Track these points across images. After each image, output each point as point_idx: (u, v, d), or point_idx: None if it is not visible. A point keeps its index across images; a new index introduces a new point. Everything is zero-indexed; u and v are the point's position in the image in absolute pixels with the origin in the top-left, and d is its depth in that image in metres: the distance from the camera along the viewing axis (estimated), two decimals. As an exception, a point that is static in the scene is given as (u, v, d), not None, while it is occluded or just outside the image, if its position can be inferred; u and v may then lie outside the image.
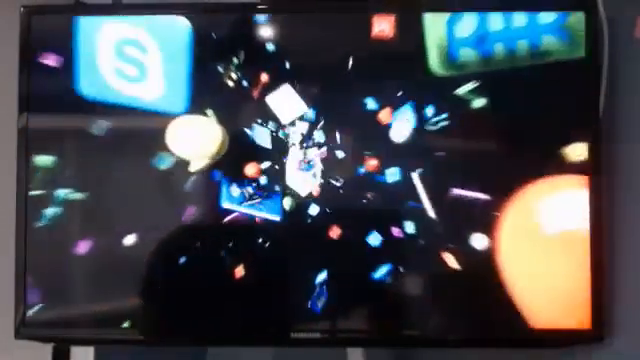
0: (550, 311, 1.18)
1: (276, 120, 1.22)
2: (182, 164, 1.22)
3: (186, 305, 1.24)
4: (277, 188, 1.22)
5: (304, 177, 1.21)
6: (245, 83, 1.23)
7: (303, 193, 1.21)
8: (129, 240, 1.23)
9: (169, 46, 1.24)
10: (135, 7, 1.28)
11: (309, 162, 1.20)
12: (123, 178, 1.24)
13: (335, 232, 1.21)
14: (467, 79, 1.19)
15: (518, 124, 1.20)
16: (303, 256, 1.23)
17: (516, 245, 1.19)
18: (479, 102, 1.19)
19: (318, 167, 1.21)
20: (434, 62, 1.20)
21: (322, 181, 1.20)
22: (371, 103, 1.20)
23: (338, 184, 1.20)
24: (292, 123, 1.22)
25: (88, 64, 1.24)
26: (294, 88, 1.22)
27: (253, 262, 1.23)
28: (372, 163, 1.19)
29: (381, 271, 1.21)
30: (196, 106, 1.23)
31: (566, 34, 1.18)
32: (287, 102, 1.22)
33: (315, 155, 1.20)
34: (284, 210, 1.21)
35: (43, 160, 1.24)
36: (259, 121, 1.22)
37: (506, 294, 1.19)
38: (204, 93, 1.24)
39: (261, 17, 1.24)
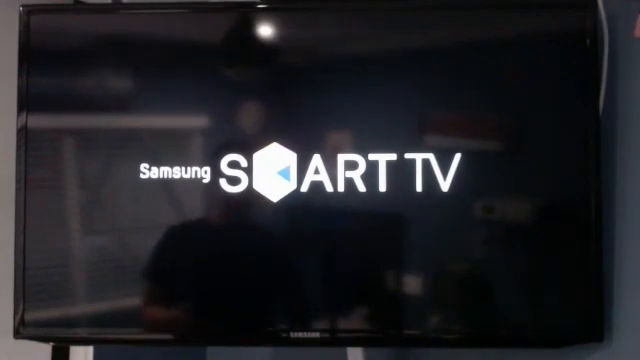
0: (550, 311, 1.18)
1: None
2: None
3: (185, 305, 1.24)
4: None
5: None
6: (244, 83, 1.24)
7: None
8: (128, 240, 1.23)
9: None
10: (135, 7, 1.28)
11: None
12: (123, 177, 1.23)
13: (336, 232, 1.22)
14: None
15: (517, 125, 1.20)
16: (303, 255, 1.23)
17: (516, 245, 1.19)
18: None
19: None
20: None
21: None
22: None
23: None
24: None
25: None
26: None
27: (253, 262, 1.23)
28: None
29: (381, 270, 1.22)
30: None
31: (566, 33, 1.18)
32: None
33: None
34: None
35: (42, 159, 1.24)
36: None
37: (506, 294, 1.19)
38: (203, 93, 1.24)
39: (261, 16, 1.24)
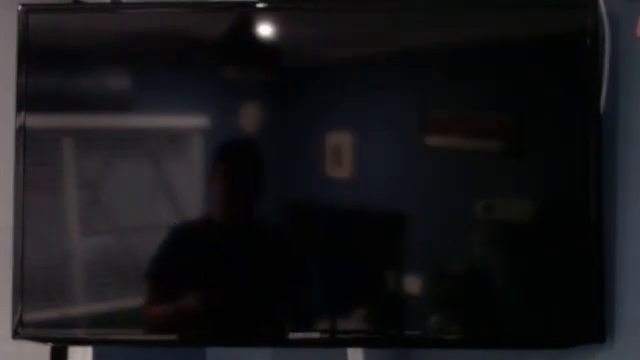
0: (551, 311, 1.17)
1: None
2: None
3: (185, 305, 1.24)
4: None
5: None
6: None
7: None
8: (128, 240, 1.23)
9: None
10: (134, 6, 1.28)
11: None
12: (123, 177, 1.23)
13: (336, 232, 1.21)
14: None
15: (517, 124, 1.20)
16: (303, 255, 1.23)
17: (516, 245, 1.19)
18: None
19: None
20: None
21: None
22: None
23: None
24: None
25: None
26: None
27: (252, 262, 1.23)
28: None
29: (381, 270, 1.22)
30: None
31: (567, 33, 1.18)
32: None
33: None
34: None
35: (42, 160, 1.24)
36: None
37: (507, 294, 1.19)
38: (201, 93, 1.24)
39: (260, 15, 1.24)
